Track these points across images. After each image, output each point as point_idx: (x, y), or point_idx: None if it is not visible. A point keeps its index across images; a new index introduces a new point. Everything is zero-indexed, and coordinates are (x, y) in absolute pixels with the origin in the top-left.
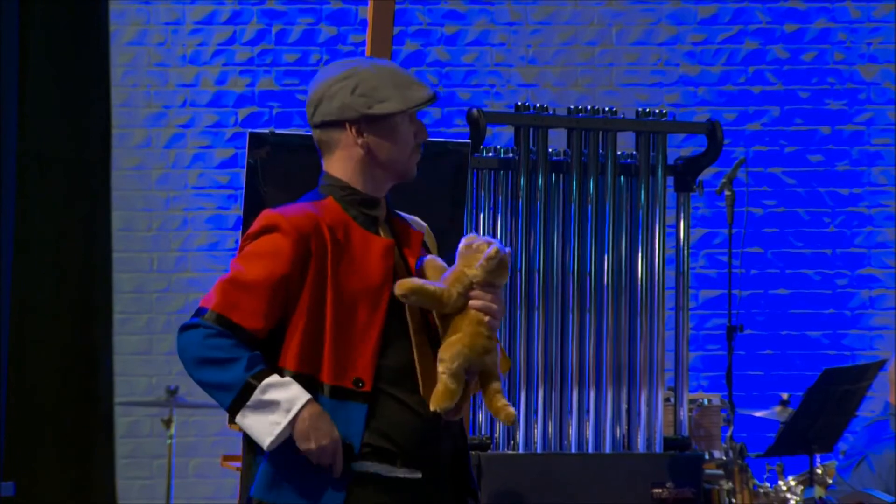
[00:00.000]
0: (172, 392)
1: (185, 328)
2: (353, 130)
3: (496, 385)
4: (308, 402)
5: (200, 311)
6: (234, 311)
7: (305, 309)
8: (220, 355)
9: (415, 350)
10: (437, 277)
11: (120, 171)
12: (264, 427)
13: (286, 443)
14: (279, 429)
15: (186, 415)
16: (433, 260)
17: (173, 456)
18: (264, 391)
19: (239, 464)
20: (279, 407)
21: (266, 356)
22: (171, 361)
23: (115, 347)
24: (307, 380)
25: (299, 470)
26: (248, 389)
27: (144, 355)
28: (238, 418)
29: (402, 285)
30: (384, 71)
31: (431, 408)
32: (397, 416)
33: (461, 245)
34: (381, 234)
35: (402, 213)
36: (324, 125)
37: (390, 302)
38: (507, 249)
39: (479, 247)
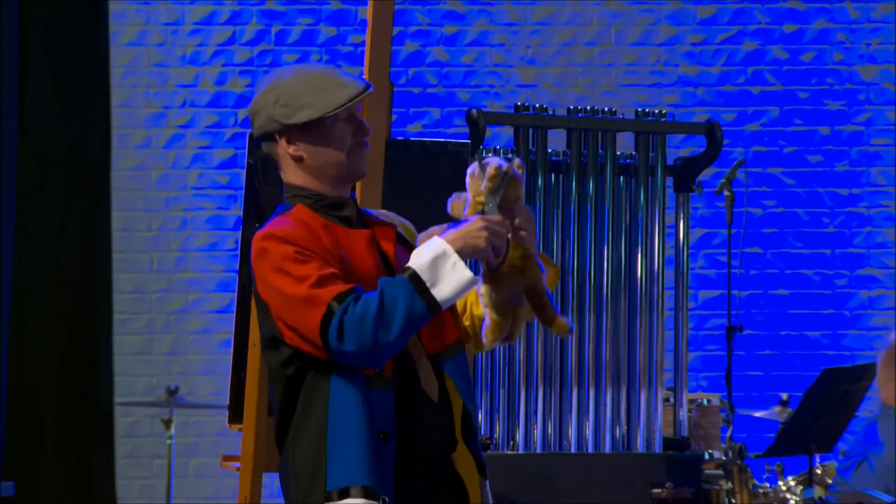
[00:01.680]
0: (172, 392)
1: (332, 327)
2: (284, 141)
3: (543, 300)
4: (440, 236)
5: (326, 316)
6: (334, 285)
7: None
8: (374, 304)
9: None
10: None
11: (120, 172)
12: (456, 276)
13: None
14: (455, 259)
15: (186, 415)
16: (429, 230)
17: (173, 456)
18: (424, 272)
19: (238, 464)
20: (436, 255)
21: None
22: (171, 361)
23: (115, 347)
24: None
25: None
26: (413, 278)
27: (144, 355)
28: (436, 299)
29: (427, 236)
30: (307, 77)
31: (485, 343)
32: (411, 403)
33: (466, 177)
34: (357, 226)
35: (369, 210)
36: (261, 139)
37: None
38: (505, 163)
39: (475, 173)
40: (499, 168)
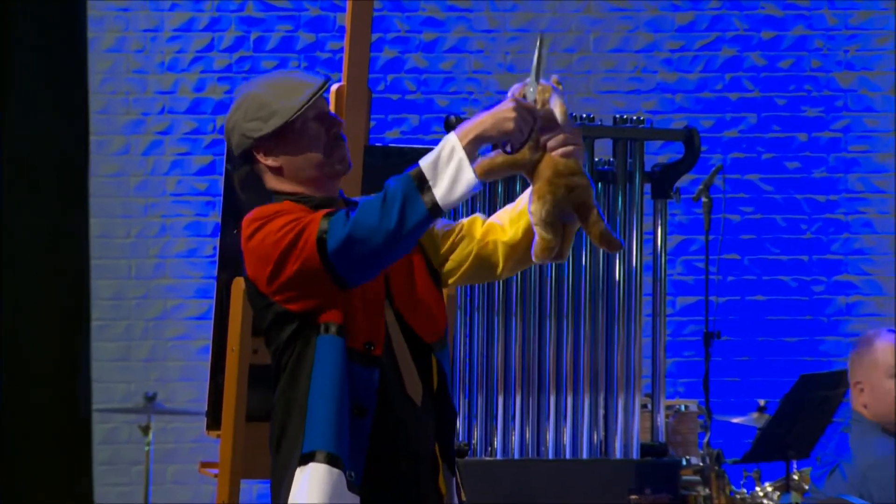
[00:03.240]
0: (150, 398)
1: (332, 223)
2: (262, 154)
3: (593, 215)
4: (453, 136)
5: (321, 240)
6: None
7: None
8: (375, 202)
9: (392, 340)
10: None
11: (98, 178)
12: (462, 178)
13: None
14: (466, 163)
15: (164, 421)
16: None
17: (151, 462)
18: (426, 169)
19: (216, 471)
20: (444, 157)
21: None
22: (149, 368)
23: (93, 354)
24: (337, 328)
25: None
26: (418, 176)
27: (122, 362)
28: (442, 203)
29: (483, 165)
30: (268, 86)
31: (533, 260)
32: (398, 388)
33: (507, 98)
34: None
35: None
36: (241, 158)
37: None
38: (548, 82)
39: (514, 96)
40: (545, 90)
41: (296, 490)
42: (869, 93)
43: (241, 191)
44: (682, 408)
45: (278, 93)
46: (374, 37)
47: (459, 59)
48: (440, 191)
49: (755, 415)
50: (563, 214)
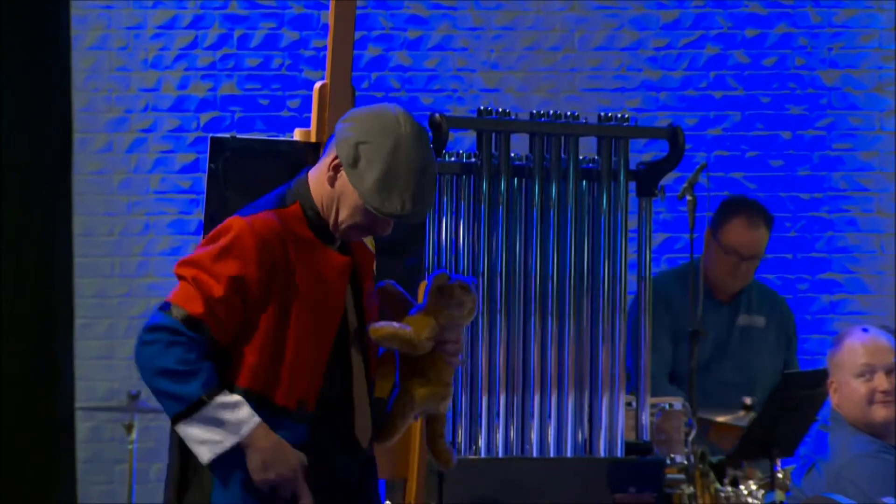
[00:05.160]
0: (134, 397)
1: (150, 329)
2: (333, 163)
3: (440, 429)
4: (257, 426)
5: (165, 307)
6: (203, 312)
7: (265, 324)
8: (180, 368)
9: (354, 381)
10: (393, 307)
11: (81, 176)
12: (208, 441)
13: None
14: (220, 448)
15: (148, 420)
16: (390, 286)
17: (134, 461)
18: (216, 409)
19: None
20: (226, 427)
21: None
22: (133, 366)
23: (77, 352)
24: (257, 398)
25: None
26: (199, 405)
27: (105, 360)
28: (181, 426)
29: (379, 331)
30: (396, 157)
31: (375, 441)
32: (330, 444)
33: (432, 285)
34: (339, 250)
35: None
36: (335, 139)
37: (340, 327)
38: (474, 281)
39: (451, 291)
40: (475, 301)
41: None
42: (853, 91)
43: (223, 179)
44: (667, 406)
45: (388, 173)
46: (358, 34)
47: (444, 56)
48: (189, 429)
49: (741, 413)
50: (421, 414)
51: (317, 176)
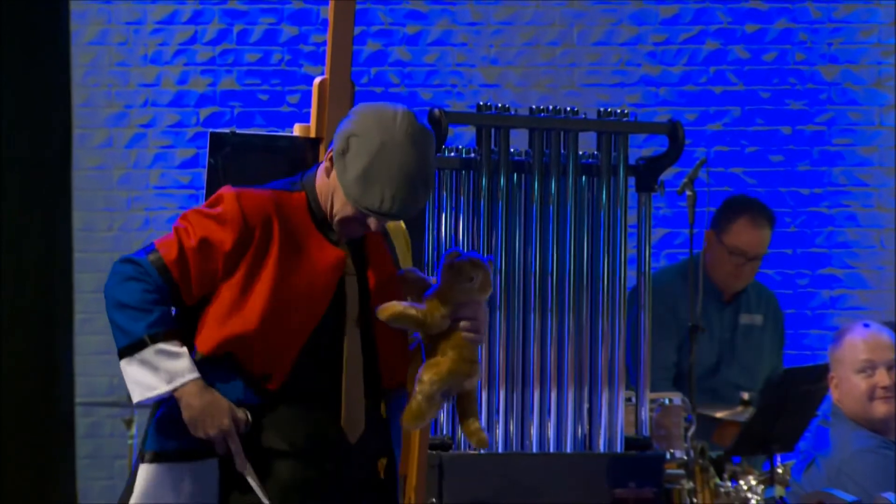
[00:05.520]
0: None
1: (123, 261)
2: (329, 153)
3: (470, 407)
4: (190, 382)
5: (148, 249)
6: (175, 259)
7: (229, 292)
8: (135, 304)
9: (346, 374)
10: (416, 292)
11: (81, 171)
12: (141, 384)
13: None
14: (151, 394)
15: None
16: (410, 273)
17: (134, 456)
18: (155, 354)
19: None
20: (160, 374)
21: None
22: None
23: (76, 347)
24: (212, 361)
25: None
26: (141, 345)
27: (105, 355)
28: (123, 363)
29: (385, 310)
30: (381, 154)
31: (403, 425)
32: (296, 424)
33: (444, 262)
34: (338, 244)
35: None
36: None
37: (328, 317)
38: (490, 258)
39: (461, 267)
40: (488, 273)
41: None
42: (853, 86)
43: (223, 175)
44: (666, 401)
45: (372, 169)
46: (358, 30)
47: (443, 52)
48: (128, 366)
49: (740, 408)
50: (444, 395)
51: (320, 168)
